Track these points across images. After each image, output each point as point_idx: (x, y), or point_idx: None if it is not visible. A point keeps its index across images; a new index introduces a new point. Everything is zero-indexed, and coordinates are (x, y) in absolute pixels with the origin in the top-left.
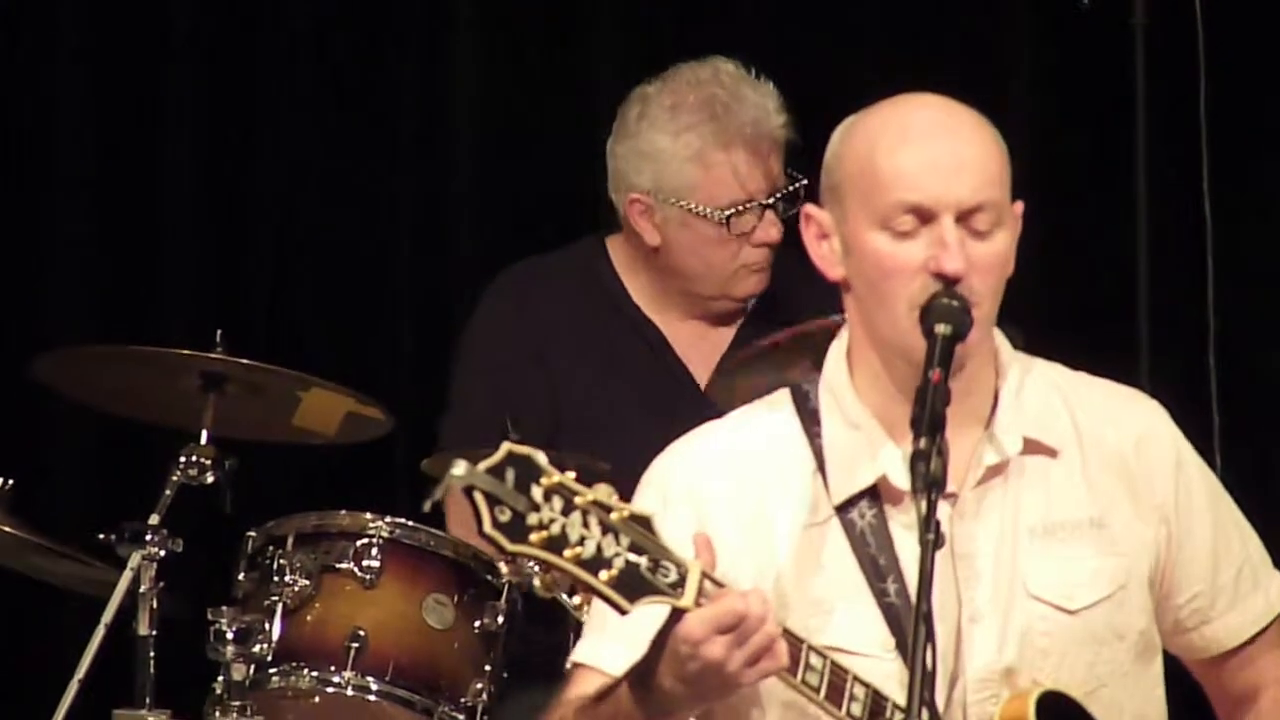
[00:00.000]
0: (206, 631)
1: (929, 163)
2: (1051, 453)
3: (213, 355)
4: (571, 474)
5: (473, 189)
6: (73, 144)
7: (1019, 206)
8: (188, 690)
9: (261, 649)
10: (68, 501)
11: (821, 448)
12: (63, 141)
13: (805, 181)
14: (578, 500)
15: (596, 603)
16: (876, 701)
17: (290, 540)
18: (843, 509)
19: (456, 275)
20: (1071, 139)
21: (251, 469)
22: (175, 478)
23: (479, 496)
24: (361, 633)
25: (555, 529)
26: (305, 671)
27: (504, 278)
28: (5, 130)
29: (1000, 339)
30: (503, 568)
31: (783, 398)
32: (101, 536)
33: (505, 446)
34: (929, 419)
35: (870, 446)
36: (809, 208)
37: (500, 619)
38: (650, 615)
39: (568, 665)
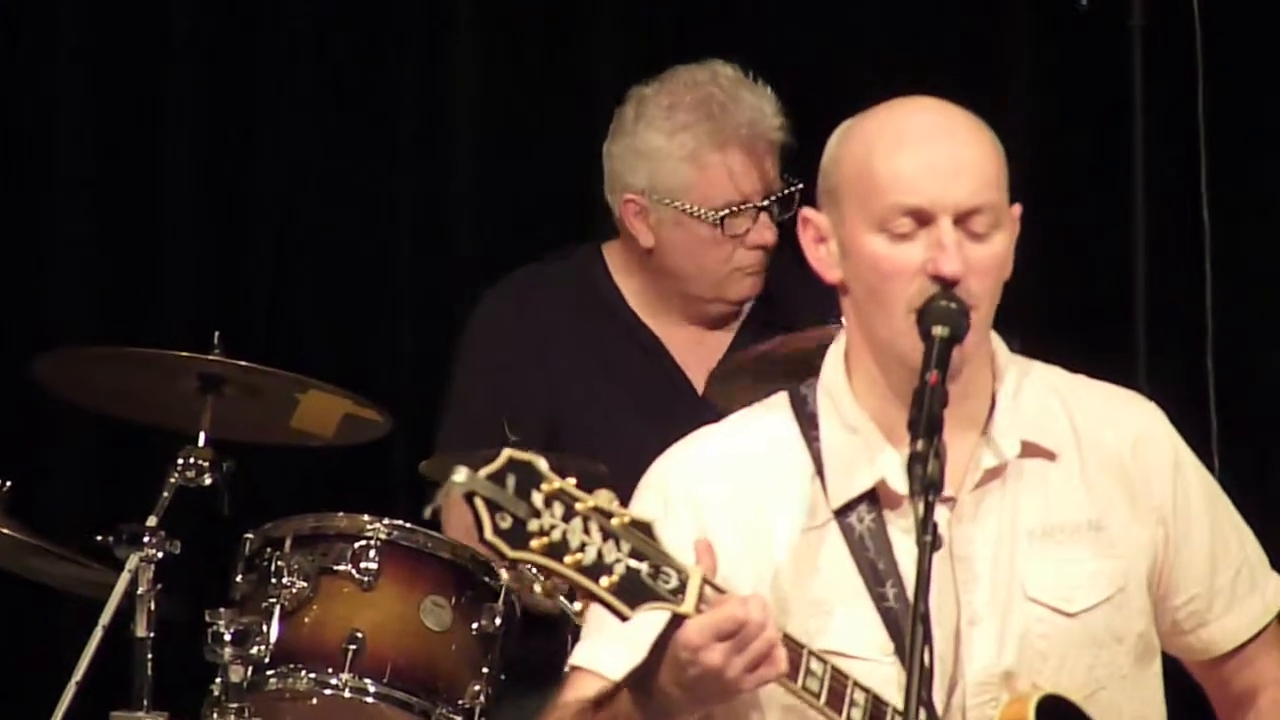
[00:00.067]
0: (204, 633)
1: (926, 165)
2: (1049, 455)
3: (210, 357)
4: (572, 480)
5: (473, 189)
6: (73, 144)
7: (1017, 209)
8: (185, 692)
9: (259, 651)
10: (65, 503)
11: (820, 451)
12: (63, 141)
13: (801, 186)
14: (578, 506)
15: (595, 606)
16: (877, 707)
17: (288, 542)
18: (841, 513)
19: (456, 275)
20: (1070, 139)
21: (249, 471)
22: (173, 479)
23: (480, 503)
24: (359, 634)
25: (556, 535)
26: (303, 673)
27: (503, 282)
28: (5, 130)
29: (997, 342)
30: (503, 574)
31: (780, 401)
32: (99, 538)
33: (506, 452)
34: (926, 421)
35: (868, 450)
36: (806, 211)
37: (498, 621)
38: (650, 619)
39: (566, 668)
